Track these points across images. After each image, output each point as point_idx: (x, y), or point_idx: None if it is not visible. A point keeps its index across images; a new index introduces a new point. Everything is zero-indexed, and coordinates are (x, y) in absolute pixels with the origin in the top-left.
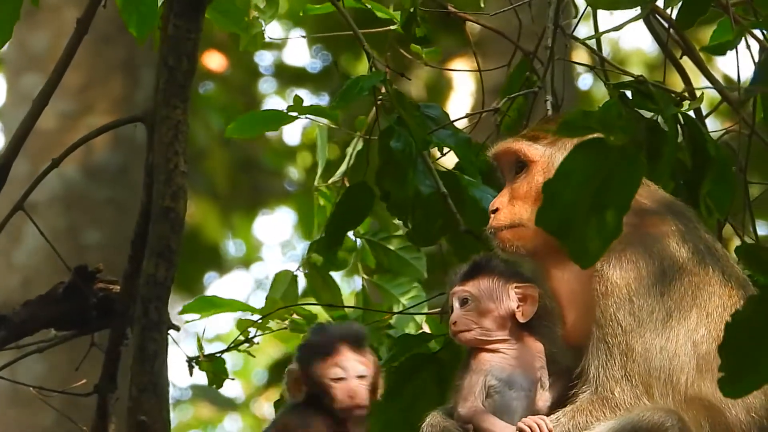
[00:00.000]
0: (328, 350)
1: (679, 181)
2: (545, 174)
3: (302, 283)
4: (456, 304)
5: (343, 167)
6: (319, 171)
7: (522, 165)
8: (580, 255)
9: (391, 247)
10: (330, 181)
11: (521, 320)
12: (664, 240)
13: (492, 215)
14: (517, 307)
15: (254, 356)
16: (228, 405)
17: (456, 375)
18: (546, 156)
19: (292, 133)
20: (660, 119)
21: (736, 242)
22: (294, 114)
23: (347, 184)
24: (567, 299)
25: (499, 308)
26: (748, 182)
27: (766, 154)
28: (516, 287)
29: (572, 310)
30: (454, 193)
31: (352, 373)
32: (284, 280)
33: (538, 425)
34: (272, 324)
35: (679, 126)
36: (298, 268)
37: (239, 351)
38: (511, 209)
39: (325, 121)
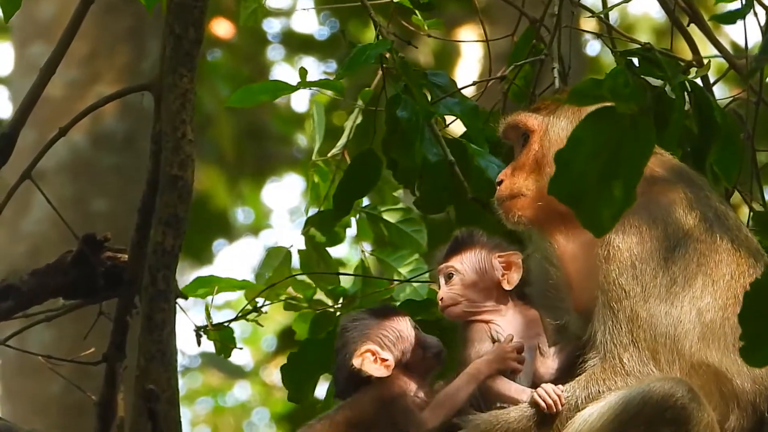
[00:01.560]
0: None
1: (686, 148)
2: (541, 142)
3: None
4: (441, 281)
5: (342, 140)
6: (317, 146)
7: (525, 136)
8: (592, 223)
9: (391, 220)
10: (330, 154)
11: (507, 288)
12: (671, 207)
13: (497, 186)
14: (502, 276)
15: (262, 326)
16: (237, 372)
17: (458, 351)
18: (544, 125)
19: (300, 100)
20: (667, 87)
21: (745, 210)
22: (294, 85)
23: (347, 158)
24: (573, 266)
25: (483, 279)
26: (755, 150)
27: None
28: (499, 256)
29: (579, 278)
30: (461, 161)
31: None
32: (277, 256)
33: (552, 398)
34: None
35: (686, 93)
36: (290, 246)
37: (247, 320)
38: (512, 180)
39: (331, 93)
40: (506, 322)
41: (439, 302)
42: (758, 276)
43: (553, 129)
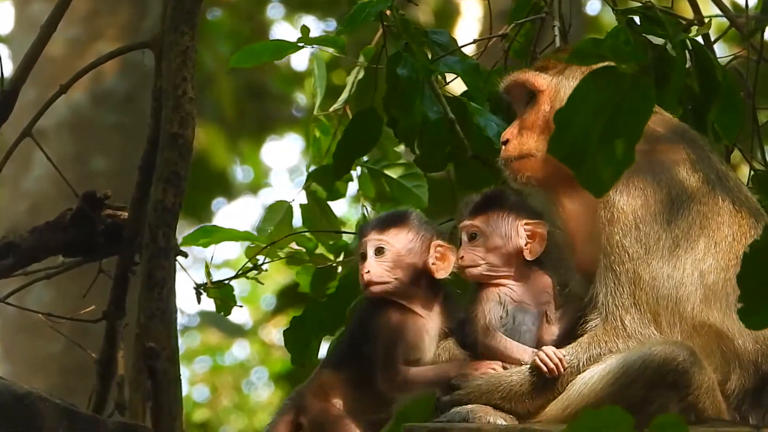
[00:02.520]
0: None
1: (686, 107)
2: (552, 103)
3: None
4: (464, 238)
5: (344, 95)
6: (318, 101)
7: (531, 95)
8: (592, 183)
9: (393, 176)
10: (331, 109)
11: (529, 258)
12: (674, 168)
13: (503, 147)
14: (525, 245)
15: (263, 283)
16: (236, 331)
17: (466, 308)
18: (553, 85)
19: (300, 59)
20: (668, 45)
21: (745, 169)
22: (296, 44)
23: (349, 113)
24: (577, 228)
25: (507, 245)
26: (756, 108)
27: None
28: (525, 224)
29: (582, 239)
30: (461, 119)
31: (369, 251)
32: (279, 211)
33: (552, 361)
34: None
35: (687, 52)
36: (292, 200)
37: (247, 278)
38: (520, 140)
39: (332, 50)
40: (519, 288)
41: (459, 260)
42: (758, 237)
43: (563, 89)
